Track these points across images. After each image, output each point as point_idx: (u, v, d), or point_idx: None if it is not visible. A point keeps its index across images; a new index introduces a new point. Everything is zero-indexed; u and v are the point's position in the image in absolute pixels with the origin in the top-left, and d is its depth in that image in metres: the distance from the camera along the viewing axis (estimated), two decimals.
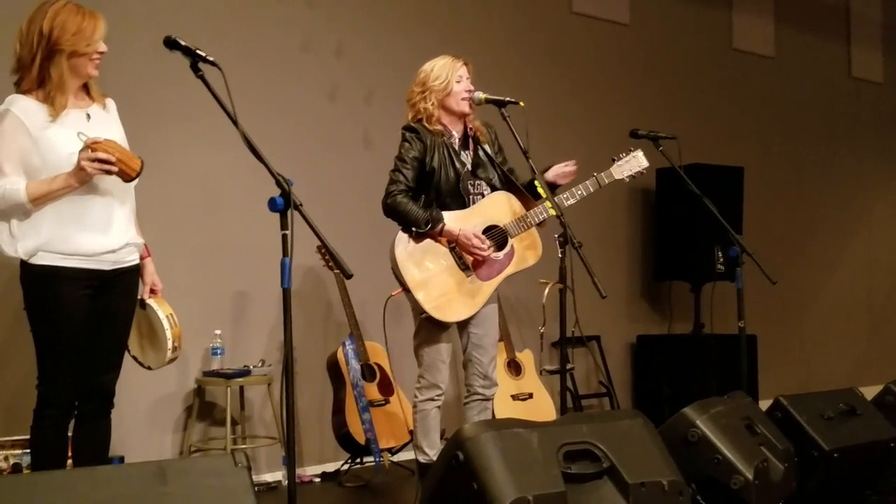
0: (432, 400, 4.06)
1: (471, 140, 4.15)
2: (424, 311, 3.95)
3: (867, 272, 8.98)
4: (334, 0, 5.62)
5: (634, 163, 4.18)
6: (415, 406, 4.10)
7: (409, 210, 3.95)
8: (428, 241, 3.98)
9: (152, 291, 3.59)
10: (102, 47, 3.30)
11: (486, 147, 4.17)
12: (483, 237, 3.97)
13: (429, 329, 4.04)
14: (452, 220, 3.99)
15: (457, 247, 3.97)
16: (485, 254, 3.96)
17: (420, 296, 3.93)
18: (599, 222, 6.56)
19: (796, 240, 8.22)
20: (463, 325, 4.12)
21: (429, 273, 3.96)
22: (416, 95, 4.11)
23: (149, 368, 3.68)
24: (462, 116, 4.12)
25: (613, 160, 4.18)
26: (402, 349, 4.53)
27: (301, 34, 5.47)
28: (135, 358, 3.66)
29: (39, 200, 3.19)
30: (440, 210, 3.98)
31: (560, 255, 3.77)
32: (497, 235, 4.05)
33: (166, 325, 3.54)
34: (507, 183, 4.17)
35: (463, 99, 4.06)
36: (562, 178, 4.17)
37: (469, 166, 4.10)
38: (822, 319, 8.46)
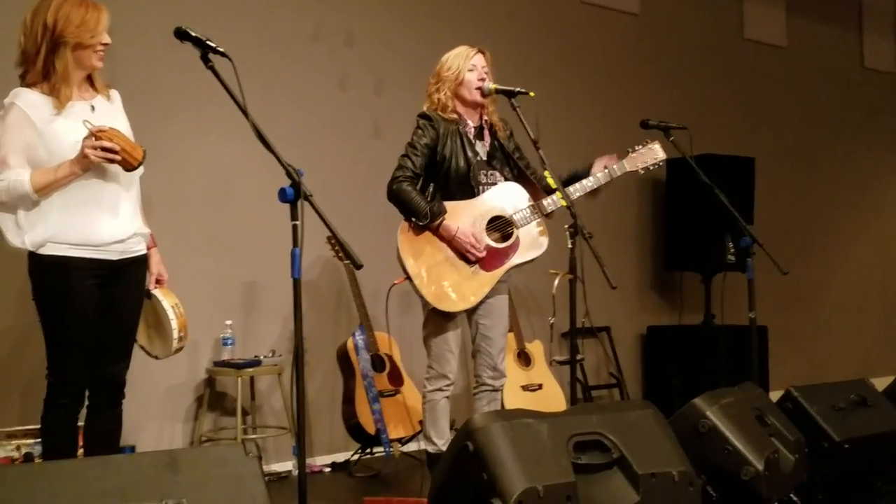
0: (441, 390, 4.06)
1: (486, 131, 4.15)
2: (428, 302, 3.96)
3: (879, 263, 8.95)
4: None
5: (650, 154, 4.18)
6: (424, 396, 4.11)
7: (412, 200, 3.94)
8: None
9: (158, 282, 3.60)
10: (106, 38, 3.30)
11: (502, 140, 4.17)
12: (479, 239, 3.97)
13: (436, 319, 4.04)
14: (458, 210, 3.99)
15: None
16: (479, 255, 3.97)
17: (420, 284, 3.94)
18: (610, 213, 6.54)
19: (808, 230, 8.19)
20: (471, 316, 4.12)
21: (430, 262, 3.96)
22: (432, 87, 4.13)
23: (156, 358, 3.71)
24: (477, 106, 4.12)
25: (628, 151, 4.18)
26: (411, 339, 4.53)
27: (311, 24, 5.46)
28: (142, 348, 3.68)
29: (44, 190, 3.20)
30: (443, 202, 3.99)
31: (570, 246, 3.76)
32: (502, 226, 4.05)
33: (171, 314, 3.55)
34: (521, 175, 4.17)
35: (476, 88, 4.06)
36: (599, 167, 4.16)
37: (484, 156, 4.10)
38: (833, 310, 8.43)
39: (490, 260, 4.02)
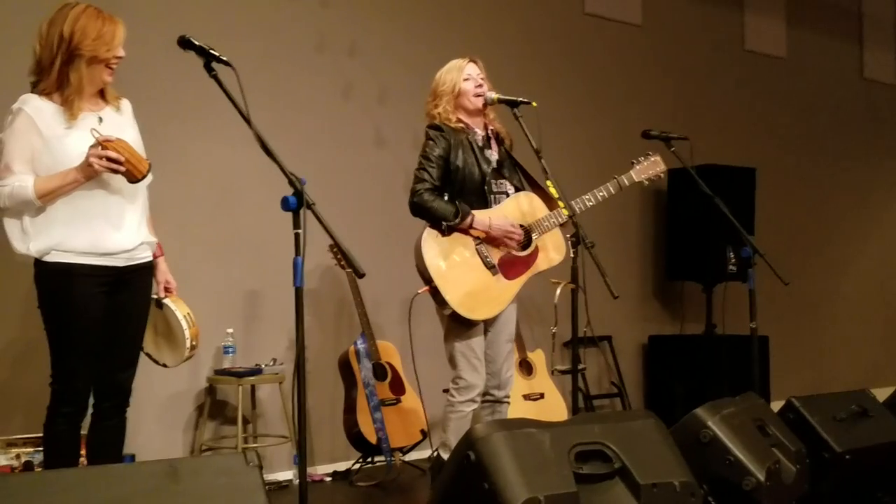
0: (473, 401, 4.01)
1: (493, 140, 4.16)
2: (451, 310, 3.94)
3: (880, 273, 8.94)
4: None
5: (653, 167, 4.24)
6: (452, 405, 4.03)
7: (437, 206, 3.95)
8: (455, 238, 3.97)
9: (167, 290, 3.60)
10: (121, 52, 3.31)
11: (508, 148, 4.20)
12: (516, 224, 3.99)
13: (458, 329, 4.02)
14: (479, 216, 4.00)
15: (483, 244, 3.98)
16: (518, 237, 3.98)
17: (447, 293, 3.92)
18: (612, 223, 6.54)
19: (809, 240, 8.19)
20: (484, 325, 4.11)
21: (456, 271, 3.96)
22: (430, 105, 4.15)
23: (164, 366, 3.71)
24: (479, 114, 4.13)
25: (633, 163, 4.21)
26: (419, 348, 4.51)
27: (315, 33, 5.47)
28: (148, 355, 3.67)
29: (48, 196, 3.20)
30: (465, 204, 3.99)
31: (572, 255, 3.78)
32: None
33: (185, 324, 3.56)
34: (531, 183, 4.18)
35: (475, 96, 4.07)
36: None
37: (494, 165, 4.11)
38: (834, 321, 8.42)
39: (513, 268, 4.04)
